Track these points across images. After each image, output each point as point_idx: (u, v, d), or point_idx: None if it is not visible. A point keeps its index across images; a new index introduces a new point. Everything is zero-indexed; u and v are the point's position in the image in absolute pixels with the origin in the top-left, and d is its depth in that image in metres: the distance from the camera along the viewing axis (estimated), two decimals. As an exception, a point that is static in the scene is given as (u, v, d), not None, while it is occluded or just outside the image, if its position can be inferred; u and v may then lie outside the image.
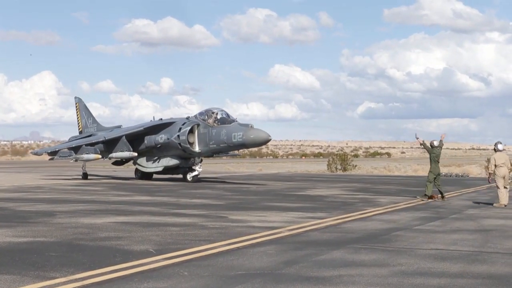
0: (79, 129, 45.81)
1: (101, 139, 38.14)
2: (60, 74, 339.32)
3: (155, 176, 39.13)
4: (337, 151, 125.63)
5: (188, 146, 35.46)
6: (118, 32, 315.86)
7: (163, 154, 37.02)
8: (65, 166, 66.84)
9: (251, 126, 33.84)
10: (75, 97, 47.18)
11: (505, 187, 23.04)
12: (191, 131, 35.52)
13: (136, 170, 39.63)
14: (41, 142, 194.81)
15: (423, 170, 63.36)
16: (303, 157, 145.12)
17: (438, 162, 25.28)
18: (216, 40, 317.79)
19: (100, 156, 37.56)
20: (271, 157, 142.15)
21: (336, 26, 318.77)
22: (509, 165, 23.70)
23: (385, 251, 11.89)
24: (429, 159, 25.64)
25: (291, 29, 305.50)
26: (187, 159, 36.72)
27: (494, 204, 22.91)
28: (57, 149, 39.83)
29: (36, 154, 45.64)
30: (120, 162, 41.62)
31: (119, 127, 42.41)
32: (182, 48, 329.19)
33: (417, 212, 20.04)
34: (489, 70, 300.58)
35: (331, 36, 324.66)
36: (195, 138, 35.69)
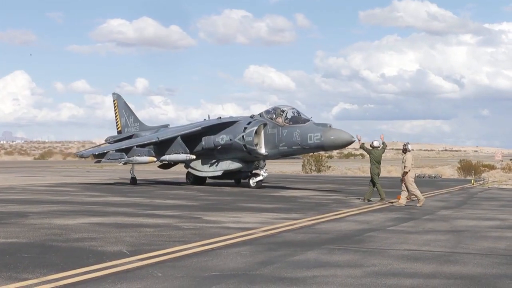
0: (117, 128, 41.75)
1: (154, 140, 34.16)
2: (33, 74, 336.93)
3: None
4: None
5: (255, 148, 32.00)
6: (94, 32, 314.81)
7: (223, 156, 33.46)
8: (38, 167, 66.20)
9: (330, 126, 30.36)
10: (113, 93, 42.86)
11: (403, 190, 23.32)
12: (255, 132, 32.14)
13: (188, 174, 35.90)
14: (14, 142, 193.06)
15: (397, 171, 63.81)
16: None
17: (379, 163, 24.72)
18: (192, 41, 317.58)
19: (155, 159, 33.57)
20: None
21: (312, 27, 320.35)
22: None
23: (359, 251, 11.96)
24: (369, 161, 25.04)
25: (268, 30, 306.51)
26: (249, 163, 33.50)
27: (418, 205, 22.91)
28: (105, 151, 35.25)
29: (81, 156, 39.75)
30: (167, 165, 37.22)
31: (165, 126, 38.93)
32: (158, 48, 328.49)
33: (390, 213, 20.17)
34: (462, 72, 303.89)
35: (306, 38, 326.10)
36: (261, 139, 32.26)
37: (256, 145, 31.99)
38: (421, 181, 47.04)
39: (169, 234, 13.86)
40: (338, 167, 67.02)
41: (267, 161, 33.82)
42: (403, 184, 23.37)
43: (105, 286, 8.60)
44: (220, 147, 33.03)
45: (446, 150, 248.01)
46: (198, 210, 19.80)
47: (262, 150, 32.19)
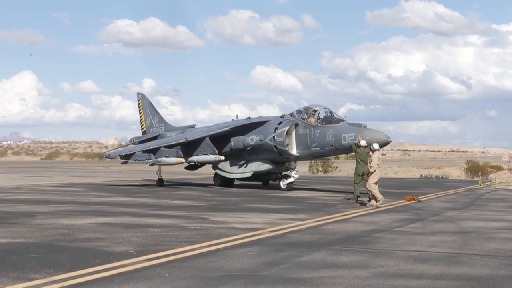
0: (142, 129, 40.89)
1: (182, 140, 33.20)
2: (40, 74, 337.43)
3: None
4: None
5: (286, 149, 31.05)
6: (101, 33, 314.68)
7: (253, 157, 32.49)
8: (45, 167, 66.49)
9: (365, 126, 29.24)
10: (138, 93, 42.00)
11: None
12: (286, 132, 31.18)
13: (216, 175, 35.00)
14: (21, 143, 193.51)
15: (403, 172, 63.75)
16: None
17: (365, 163, 24.20)
18: (199, 41, 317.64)
19: (183, 160, 32.62)
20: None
21: (319, 28, 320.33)
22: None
23: (366, 252, 11.94)
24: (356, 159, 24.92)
25: (275, 31, 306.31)
26: (280, 164, 32.62)
27: (374, 204, 22.60)
28: (132, 152, 34.19)
29: (108, 157, 38.03)
30: (194, 166, 36.11)
31: (192, 127, 38.06)
32: (165, 49, 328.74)
33: (397, 214, 20.14)
34: (469, 73, 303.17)
35: (312, 38, 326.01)
36: (292, 140, 31.31)
37: (287, 145, 31.13)
38: (428, 182, 46.99)
39: (176, 234, 13.87)
40: (345, 168, 66.87)
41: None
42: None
43: (112, 287, 8.61)
44: (249, 147, 32.15)
45: (453, 151, 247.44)
46: (205, 211, 19.81)
47: (294, 151, 31.30)
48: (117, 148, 43.06)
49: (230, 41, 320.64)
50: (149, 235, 13.64)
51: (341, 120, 30.09)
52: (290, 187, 31.64)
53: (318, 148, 30.61)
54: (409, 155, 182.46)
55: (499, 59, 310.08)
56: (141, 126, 41.05)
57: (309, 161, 53.97)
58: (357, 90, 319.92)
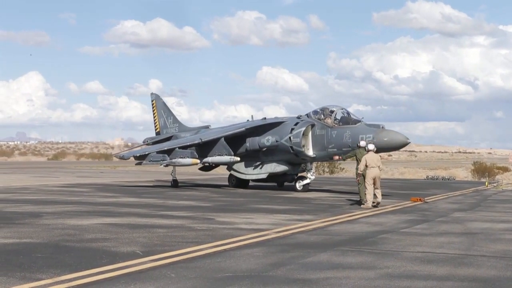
0: (156, 129, 40.54)
1: (196, 141, 32.89)
2: (47, 75, 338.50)
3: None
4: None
5: (302, 150, 30.62)
6: (107, 34, 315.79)
7: (268, 158, 32.20)
8: (52, 167, 66.51)
9: (383, 127, 28.86)
10: (151, 94, 41.51)
11: (376, 188, 22.88)
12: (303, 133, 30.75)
13: (231, 176, 34.86)
14: (28, 143, 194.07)
15: (409, 173, 63.64)
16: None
17: None
18: (206, 42, 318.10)
19: (198, 161, 32.36)
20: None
21: (325, 28, 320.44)
22: (381, 166, 23.47)
23: (372, 253, 11.92)
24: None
25: (281, 32, 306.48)
26: (296, 165, 32.23)
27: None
28: (147, 152, 33.97)
29: (122, 158, 37.79)
30: (208, 167, 35.84)
31: (206, 127, 37.71)
32: (171, 49, 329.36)
33: (403, 215, 20.10)
34: (476, 74, 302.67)
35: (319, 39, 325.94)
36: (308, 141, 30.85)
37: (304, 146, 30.68)
38: (434, 183, 46.91)
39: (182, 235, 13.88)
40: (351, 169, 66.83)
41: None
42: (366, 184, 22.90)
43: (118, 287, 8.62)
44: (265, 148, 31.81)
45: (459, 152, 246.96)
46: (211, 211, 19.82)
47: (310, 152, 30.80)
48: (131, 149, 42.73)
49: (236, 42, 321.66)
50: (155, 235, 13.66)
51: (359, 121, 29.64)
52: (306, 188, 31.25)
53: (335, 149, 30.03)
54: (416, 156, 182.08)
55: (506, 60, 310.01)
56: (155, 126, 40.68)
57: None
58: (363, 91, 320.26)
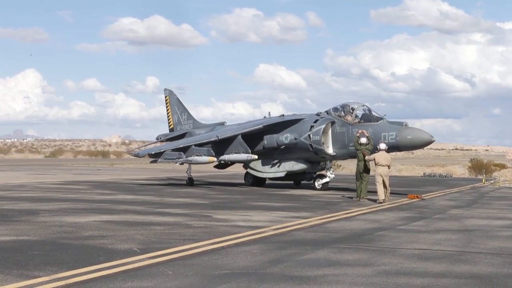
0: (169, 126, 39.63)
1: (213, 139, 31.82)
2: (45, 72, 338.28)
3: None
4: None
5: (322, 147, 29.69)
6: (105, 31, 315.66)
7: (286, 156, 31.28)
8: (49, 165, 66.45)
9: (406, 124, 27.84)
10: (165, 89, 40.53)
11: (385, 186, 23.32)
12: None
13: (247, 174, 34.17)
14: (25, 140, 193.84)
15: (406, 170, 63.70)
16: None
17: (366, 161, 24.45)
18: (203, 39, 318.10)
19: (215, 159, 31.35)
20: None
21: (323, 26, 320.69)
22: (390, 166, 23.97)
23: (369, 250, 11.93)
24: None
25: (279, 29, 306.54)
26: (314, 163, 31.40)
27: (376, 202, 23.15)
28: (162, 150, 33.21)
29: (136, 156, 36.93)
30: (223, 165, 34.66)
31: (222, 124, 36.83)
32: (169, 47, 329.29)
33: (401, 212, 20.12)
34: (473, 71, 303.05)
35: (316, 36, 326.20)
36: (328, 138, 29.93)
37: (323, 144, 29.73)
38: (431, 180, 46.96)
39: (179, 232, 13.88)
40: (348, 166, 66.87)
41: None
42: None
43: (115, 284, 8.62)
44: (283, 146, 30.85)
45: (457, 149, 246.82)
46: (209, 209, 19.82)
47: (330, 150, 29.87)
48: (145, 146, 42.18)
49: (234, 39, 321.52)
50: (152, 233, 13.66)
51: (381, 118, 28.64)
52: (326, 187, 30.43)
53: None
54: (413, 153, 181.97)
55: (503, 57, 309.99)
56: (168, 123, 39.81)
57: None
58: (361, 88, 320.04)
